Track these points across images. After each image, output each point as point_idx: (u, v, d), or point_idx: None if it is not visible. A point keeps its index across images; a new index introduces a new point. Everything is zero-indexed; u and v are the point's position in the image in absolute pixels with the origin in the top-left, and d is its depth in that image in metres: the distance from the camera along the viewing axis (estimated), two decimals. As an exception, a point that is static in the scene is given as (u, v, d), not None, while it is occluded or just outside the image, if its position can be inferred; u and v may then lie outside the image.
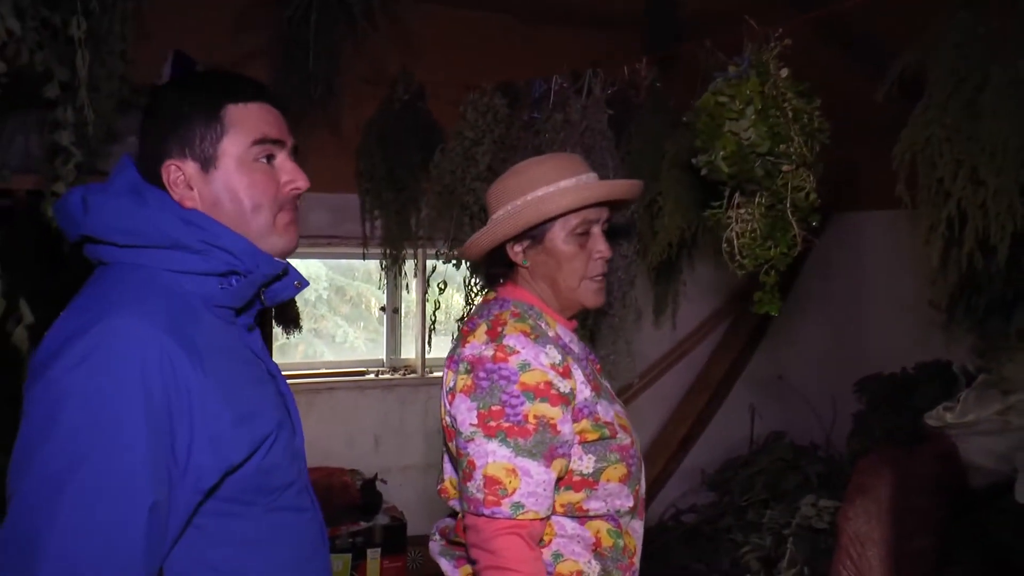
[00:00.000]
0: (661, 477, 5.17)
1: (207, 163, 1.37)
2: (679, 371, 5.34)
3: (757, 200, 2.20)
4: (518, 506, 1.62)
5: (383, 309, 4.85)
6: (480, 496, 1.63)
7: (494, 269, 1.89)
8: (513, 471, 1.62)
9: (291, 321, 4.23)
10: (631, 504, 1.80)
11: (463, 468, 1.67)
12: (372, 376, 4.71)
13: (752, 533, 4.39)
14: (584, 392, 1.74)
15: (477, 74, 3.50)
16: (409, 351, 4.86)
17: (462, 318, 2.08)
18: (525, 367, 1.66)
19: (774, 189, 2.17)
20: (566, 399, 1.68)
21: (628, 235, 3.01)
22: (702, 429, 5.36)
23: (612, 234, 1.91)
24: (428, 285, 3.82)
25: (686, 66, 2.99)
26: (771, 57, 2.20)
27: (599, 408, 1.77)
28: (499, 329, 1.72)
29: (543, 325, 1.78)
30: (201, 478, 1.26)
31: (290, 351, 4.76)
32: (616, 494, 1.77)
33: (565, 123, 3.00)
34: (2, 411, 1.68)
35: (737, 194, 2.24)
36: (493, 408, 1.64)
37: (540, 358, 1.68)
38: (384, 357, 4.85)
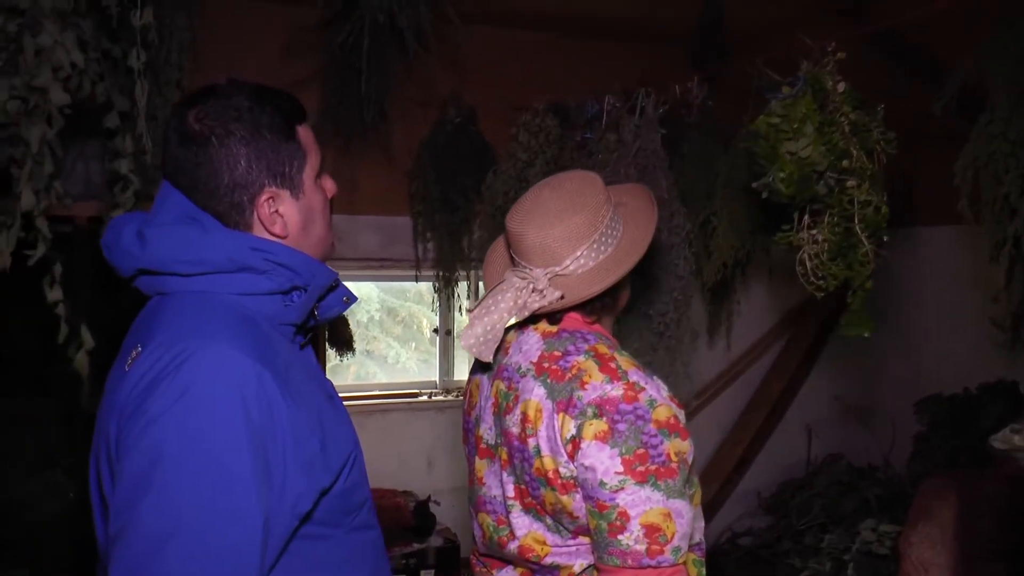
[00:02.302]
0: (717, 499, 5.09)
1: (296, 190, 1.38)
2: (734, 391, 5.27)
3: (827, 219, 2.17)
4: (677, 550, 1.54)
5: (436, 331, 4.86)
6: (642, 548, 1.52)
7: (606, 299, 1.70)
8: (668, 515, 1.52)
9: (344, 343, 4.25)
10: (703, 526, 1.73)
11: (610, 521, 1.53)
12: (425, 397, 4.71)
13: (811, 558, 4.30)
14: None
15: (527, 94, 3.51)
16: (462, 372, 4.86)
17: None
18: (653, 403, 1.55)
19: (841, 206, 2.14)
20: (688, 431, 1.59)
21: (681, 280, 3.02)
22: (758, 450, 5.28)
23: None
24: (480, 306, 3.81)
25: (737, 83, 2.97)
26: (826, 72, 2.17)
27: None
28: (612, 365, 1.58)
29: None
30: (298, 504, 1.25)
31: (342, 372, 4.79)
32: (699, 517, 1.70)
33: (618, 143, 2.99)
34: (59, 429, 1.69)
35: (807, 215, 2.21)
36: (638, 452, 1.52)
37: (661, 392, 1.58)
38: (437, 379, 4.85)
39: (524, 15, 3.87)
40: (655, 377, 1.60)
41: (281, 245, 1.35)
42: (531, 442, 1.61)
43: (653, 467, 1.51)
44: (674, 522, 1.51)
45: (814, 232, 2.13)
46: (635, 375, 1.56)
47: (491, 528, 1.76)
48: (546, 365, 1.64)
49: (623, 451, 1.51)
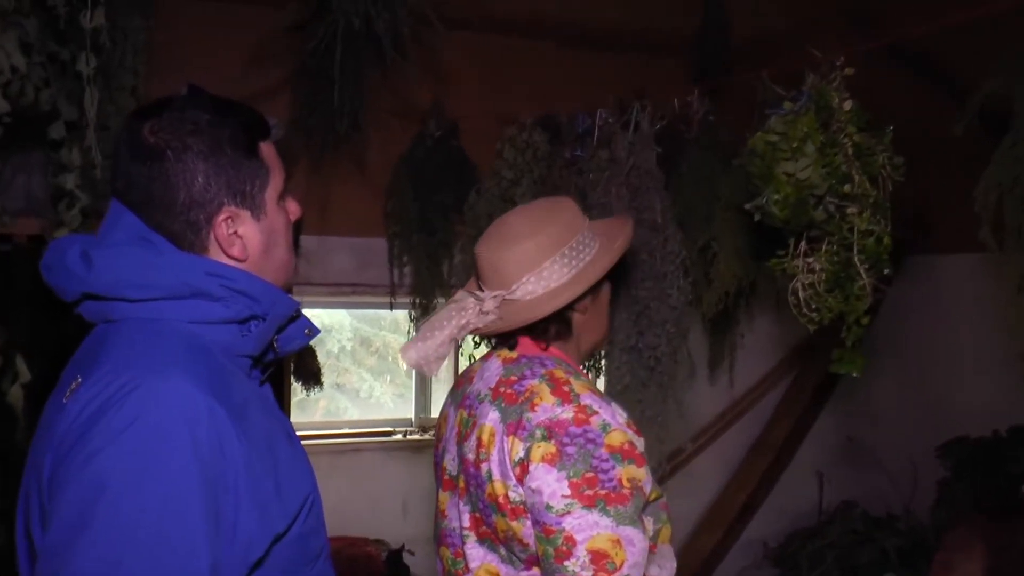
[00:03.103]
0: (719, 550, 5.08)
1: (257, 210, 1.39)
2: (737, 433, 5.27)
3: (824, 247, 2.18)
4: None
5: (412, 362, 4.85)
6: (587, 574, 1.57)
7: (555, 325, 1.80)
8: (618, 542, 1.58)
9: (312, 376, 4.24)
10: (674, 566, 1.79)
11: (556, 546, 1.60)
12: (400, 436, 4.69)
13: (822, 614, 4.29)
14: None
15: (514, 107, 3.52)
16: (439, 408, 4.84)
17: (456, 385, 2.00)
18: (607, 428, 1.63)
19: (840, 234, 2.15)
20: (645, 459, 1.67)
21: (676, 310, 3.05)
22: (764, 497, 5.27)
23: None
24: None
25: (741, 97, 2.99)
26: (832, 88, 2.18)
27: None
28: (566, 389, 1.67)
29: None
30: (249, 551, 1.24)
31: (310, 408, 4.77)
32: (668, 556, 1.76)
33: (611, 161, 3.01)
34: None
35: (803, 241, 2.22)
36: (586, 475, 1.59)
37: (616, 417, 1.66)
38: (413, 415, 4.83)
39: (511, 21, 3.90)
40: (614, 404, 1.69)
41: (239, 270, 1.35)
42: (483, 467, 1.69)
43: (603, 492, 1.58)
44: (624, 550, 1.57)
45: (810, 260, 2.15)
46: (588, 399, 1.65)
47: (449, 561, 1.84)
48: (502, 390, 1.74)
49: (571, 474, 1.58)
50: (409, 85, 3.75)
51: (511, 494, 1.66)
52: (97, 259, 1.30)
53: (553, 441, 1.61)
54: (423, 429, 4.77)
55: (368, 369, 5.19)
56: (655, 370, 3.03)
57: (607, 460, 1.59)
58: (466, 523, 1.77)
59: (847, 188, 2.11)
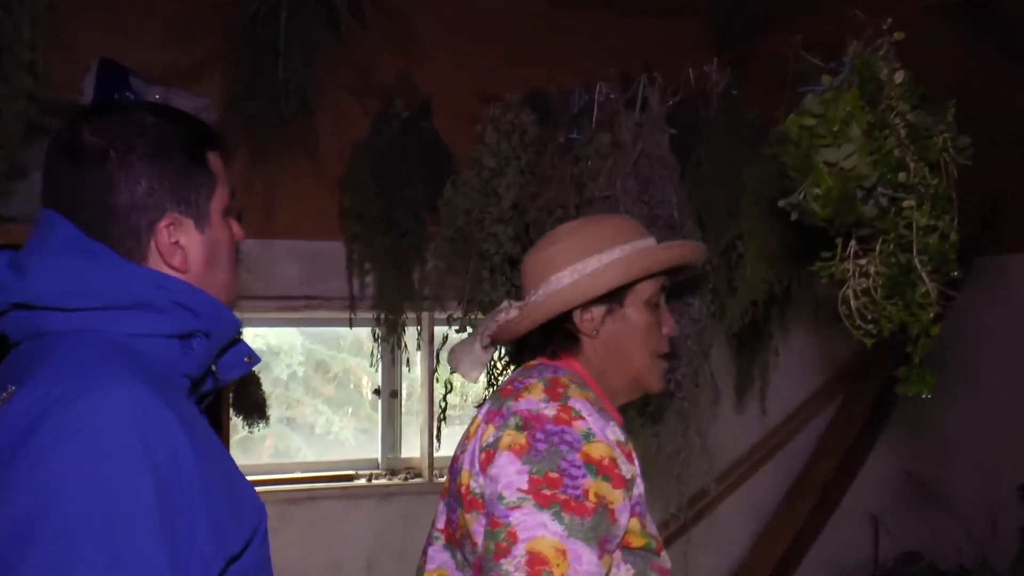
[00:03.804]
0: (752, 612, 5.10)
1: (202, 220, 1.54)
2: (772, 471, 5.28)
3: (879, 247, 2.19)
4: None
5: (377, 392, 4.86)
6: None
7: (551, 342, 2.04)
8: (563, 552, 1.67)
9: (255, 408, 4.24)
10: None
11: (497, 541, 1.71)
12: (364, 481, 4.70)
13: None
14: (640, 487, 1.87)
15: (498, 82, 3.53)
16: (412, 447, 4.85)
17: (484, 401, 2.18)
18: (590, 436, 1.78)
19: (897, 232, 2.16)
20: (627, 484, 1.80)
21: (697, 323, 3.07)
22: (806, 548, 5.29)
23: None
24: (437, 360, 3.82)
25: (769, 68, 3.01)
26: (880, 57, 2.19)
27: (647, 517, 1.89)
28: (560, 390, 1.85)
29: (601, 405, 1.91)
30: (205, 570, 1.32)
31: (254, 447, 4.77)
32: None
33: (613, 146, 3.01)
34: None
35: (853, 240, 2.23)
36: (550, 475, 1.72)
37: (606, 431, 1.81)
38: (380, 456, 4.84)
39: (493, -23, 3.92)
40: (613, 423, 1.86)
41: (183, 282, 1.49)
42: (461, 458, 1.92)
43: (563, 496, 1.70)
44: (567, 564, 1.66)
45: (862, 262, 2.15)
46: (580, 404, 1.82)
47: (419, 568, 2.08)
48: (506, 387, 1.96)
49: (534, 470, 1.73)
50: (370, 56, 3.76)
51: (472, 483, 1.85)
52: (32, 266, 1.40)
53: (526, 432, 1.78)
54: (392, 472, 4.78)
55: (325, 399, 5.19)
56: (673, 396, 3.04)
57: (579, 467, 1.73)
58: (440, 524, 2.01)
59: (902, 177, 2.10)
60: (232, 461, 1.51)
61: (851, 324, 2.18)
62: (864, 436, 5.39)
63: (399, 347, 4.25)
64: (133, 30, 3.55)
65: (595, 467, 1.74)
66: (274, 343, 5.02)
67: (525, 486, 1.72)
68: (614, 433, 1.83)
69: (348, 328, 4.43)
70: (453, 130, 3.88)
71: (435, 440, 3.63)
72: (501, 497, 1.74)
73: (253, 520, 1.45)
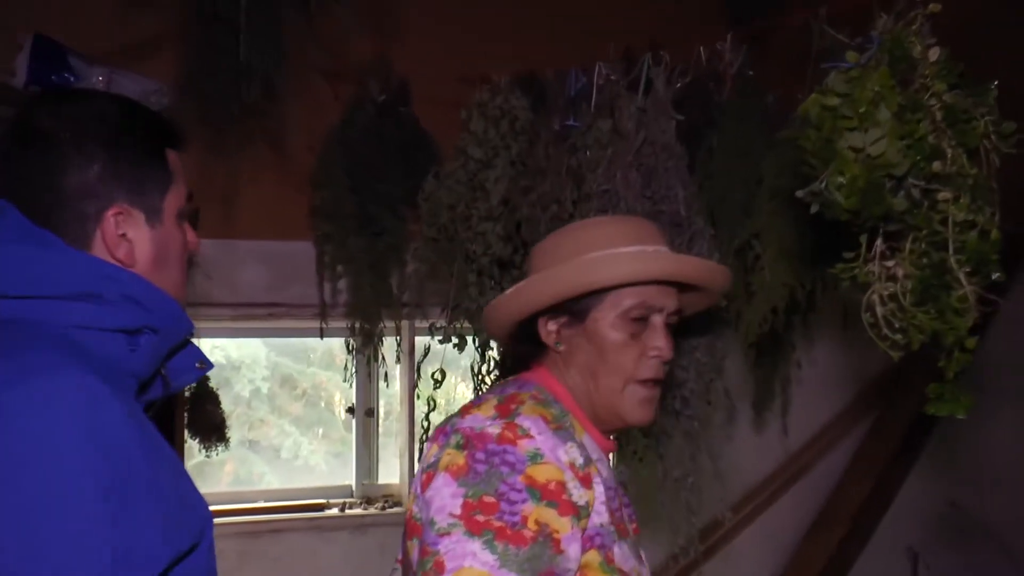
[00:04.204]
0: (773, 660, 5.11)
1: (153, 215, 1.64)
2: (795, 499, 5.30)
3: (909, 245, 2.18)
4: None
5: (351, 411, 4.87)
6: None
7: (521, 347, 2.12)
8: None
9: (212, 429, 4.25)
10: None
11: (424, 571, 1.73)
12: (336, 511, 4.70)
13: None
14: (602, 516, 1.87)
15: (485, 62, 3.54)
16: (390, 473, 4.86)
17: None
18: (537, 457, 1.80)
19: (930, 228, 2.15)
20: (577, 512, 1.80)
21: (708, 332, 3.06)
22: (834, 585, 5.31)
23: (684, 331, 2.04)
24: (418, 374, 3.84)
25: (789, 45, 3.03)
26: (912, 31, 2.20)
27: (616, 549, 1.88)
28: (512, 407, 1.89)
29: (567, 424, 1.93)
30: (148, 565, 1.40)
31: (212, 474, 4.77)
32: None
33: (614, 134, 3.03)
34: None
35: (879, 238, 2.22)
36: (485, 499, 1.74)
37: (558, 452, 1.82)
38: (355, 483, 4.84)
39: (479, -55, 3.93)
40: (573, 443, 1.86)
41: (134, 274, 1.58)
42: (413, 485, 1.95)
43: (497, 523, 1.72)
44: None
45: (890, 264, 2.15)
46: (529, 422, 1.84)
47: None
48: (466, 405, 1.99)
49: (470, 493, 1.76)
50: (342, 34, 3.78)
51: (414, 507, 1.90)
52: None
53: (466, 452, 1.81)
54: (368, 501, 4.78)
55: (292, 419, 5.20)
56: (680, 415, 3.04)
57: (519, 491, 1.75)
58: (400, 555, 2.06)
59: (936, 166, 2.09)
60: (180, 463, 1.59)
61: (876, 334, 2.15)
62: (899, 459, 5.40)
63: (376, 360, 4.24)
64: (76, 3, 3.55)
65: (539, 491, 1.76)
66: (235, 356, 5.03)
67: (458, 511, 1.74)
68: (570, 454, 1.84)
69: (319, 339, 4.42)
70: (435, 116, 3.89)
71: (415, 463, 3.63)
72: (432, 522, 1.77)
73: (199, 522, 1.53)
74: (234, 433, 4.44)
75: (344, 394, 5.02)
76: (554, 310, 2.02)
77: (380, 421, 4.90)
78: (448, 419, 1.93)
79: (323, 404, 5.25)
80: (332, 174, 3.99)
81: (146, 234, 1.62)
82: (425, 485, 1.84)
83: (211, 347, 4.62)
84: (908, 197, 2.11)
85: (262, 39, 3.51)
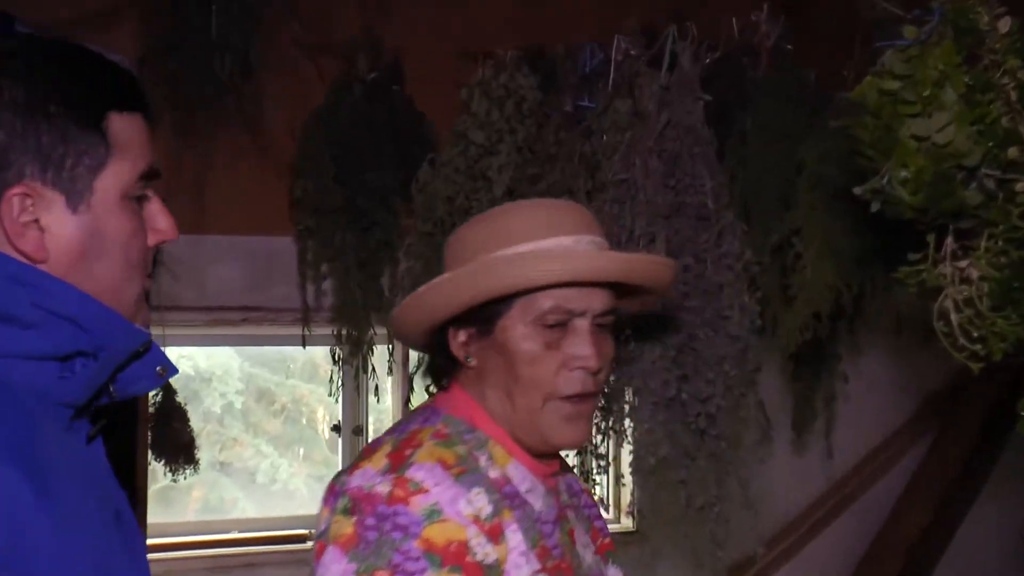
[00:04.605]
0: None
1: (77, 197, 1.44)
2: (840, 532, 5.27)
3: (984, 244, 2.16)
4: None
5: (337, 428, 4.87)
6: None
7: (435, 361, 2.05)
8: None
9: (179, 449, 4.24)
10: None
11: None
12: (320, 542, 4.70)
13: None
14: (522, 568, 1.82)
15: (487, 35, 3.54)
16: (381, 498, 4.85)
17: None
18: (433, 515, 1.74)
19: (1008, 224, 2.14)
20: (484, 572, 1.76)
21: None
22: (889, 630, 5.29)
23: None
24: (411, 388, 3.84)
25: (834, 17, 3.03)
26: (977, 1, 2.18)
27: None
28: (407, 453, 1.81)
29: (482, 459, 1.88)
30: None
31: (179, 501, 4.77)
32: None
33: (633, 116, 3.03)
34: None
35: (950, 236, 2.20)
36: (377, 574, 1.70)
37: (458, 504, 1.77)
38: (340, 509, 4.84)
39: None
40: (478, 490, 1.81)
41: (65, 283, 1.42)
42: None
43: None
44: None
45: (963, 265, 2.13)
46: (423, 473, 1.77)
47: None
48: (367, 447, 1.96)
49: (360, 569, 1.70)
50: (327, 4, 3.79)
51: None
52: None
53: (354, 518, 1.75)
54: (356, 531, 4.77)
55: (269, 438, 5.20)
56: (706, 434, 3.04)
57: (417, 559, 1.70)
58: None
59: (1012, 153, 2.06)
60: (113, 525, 1.48)
61: (951, 344, 2.12)
62: (963, 486, 5.38)
63: (364, 371, 4.24)
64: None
65: (439, 556, 1.71)
66: (205, 367, 5.04)
67: None
68: (475, 504, 1.79)
69: (300, 347, 4.40)
70: (431, 96, 3.90)
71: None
72: None
73: None
74: (204, 454, 4.43)
75: (329, 410, 5.02)
76: (461, 319, 1.91)
77: (369, 440, 4.88)
78: (338, 474, 1.87)
79: (304, 421, 5.25)
80: (316, 161, 3.99)
81: (67, 220, 1.43)
82: (316, 558, 1.79)
83: (178, 356, 4.63)
84: (982, 189, 2.09)
85: (237, 9, 3.51)
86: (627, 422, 3.20)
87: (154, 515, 4.32)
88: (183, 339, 4.54)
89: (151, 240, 1.54)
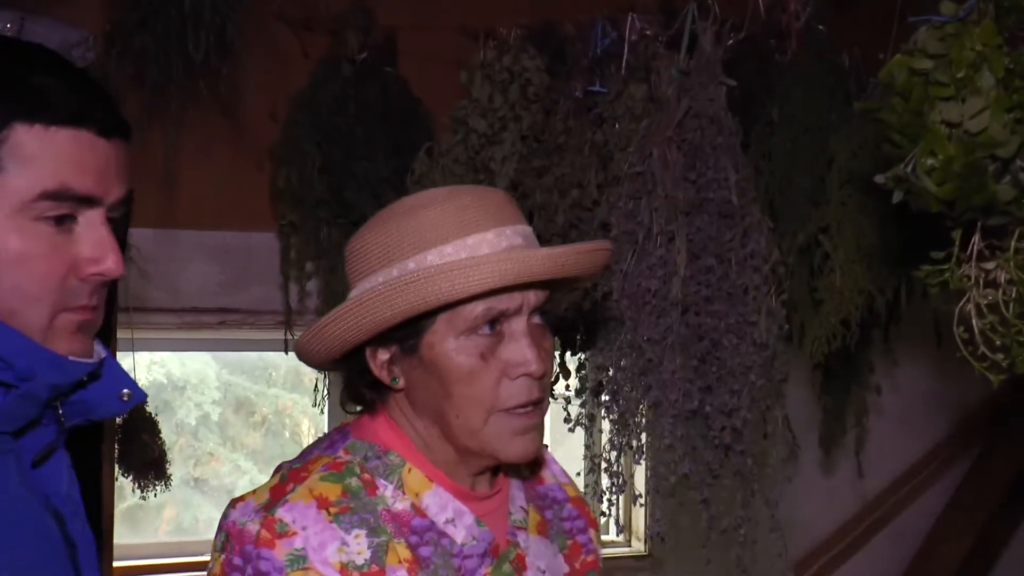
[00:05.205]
0: None
1: None
2: (873, 556, 5.28)
3: (1014, 244, 2.16)
4: None
5: (322, 441, 4.86)
6: None
7: (356, 386, 1.94)
8: None
9: (148, 465, 4.24)
10: None
11: None
12: (302, 567, 4.70)
13: None
14: None
15: (489, 11, 3.55)
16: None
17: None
18: (296, 563, 1.73)
19: (1044, 222, 2.15)
20: None
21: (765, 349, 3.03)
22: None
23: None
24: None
25: (871, -3, 3.04)
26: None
27: None
28: (289, 487, 1.80)
29: (386, 490, 1.86)
30: None
31: (149, 521, 4.76)
32: None
33: (650, 103, 3.04)
34: None
35: (977, 234, 2.21)
36: None
37: (326, 550, 1.75)
38: (325, 530, 4.84)
39: None
40: (359, 533, 1.78)
41: None
42: None
43: None
44: None
45: (989, 267, 2.14)
46: (295, 513, 1.75)
47: None
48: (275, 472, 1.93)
49: None
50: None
51: None
52: None
53: (223, 556, 1.77)
54: (340, 554, 4.78)
55: (248, 453, 5.20)
56: (731, 450, 3.04)
57: None
58: None
59: None
60: (64, 553, 1.49)
61: (970, 353, 2.12)
62: (1007, 509, 5.38)
63: (353, 379, 4.24)
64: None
65: None
66: (178, 374, 5.03)
67: None
68: (348, 552, 1.76)
69: (282, 353, 4.42)
70: (428, 79, 3.92)
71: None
72: None
73: None
74: (176, 470, 4.41)
75: (313, 421, 5.02)
76: (379, 337, 1.84)
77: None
78: (230, 503, 1.84)
79: (287, 434, 5.25)
80: (299, 149, 3.99)
81: None
82: None
83: (149, 362, 4.63)
84: (1015, 184, 2.08)
85: (213, -18, 3.51)
86: (643, 437, 3.20)
87: (121, 536, 4.29)
88: (154, 344, 4.53)
89: (86, 270, 1.52)
